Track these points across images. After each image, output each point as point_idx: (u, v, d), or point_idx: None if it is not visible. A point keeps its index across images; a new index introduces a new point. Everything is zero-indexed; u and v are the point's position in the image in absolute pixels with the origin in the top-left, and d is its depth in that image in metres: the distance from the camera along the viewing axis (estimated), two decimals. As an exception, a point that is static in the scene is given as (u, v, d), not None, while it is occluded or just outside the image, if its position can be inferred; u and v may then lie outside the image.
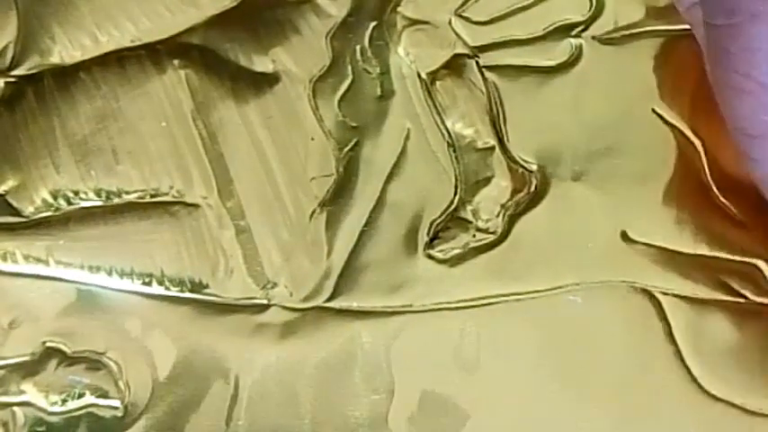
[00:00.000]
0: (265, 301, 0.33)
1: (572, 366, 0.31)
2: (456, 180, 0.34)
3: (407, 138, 0.35)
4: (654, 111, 0.34)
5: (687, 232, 0.32)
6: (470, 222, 0.34)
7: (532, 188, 0.34)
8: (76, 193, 0.35)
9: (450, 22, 0.36)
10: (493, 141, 0.34)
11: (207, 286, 0.34)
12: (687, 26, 0.34)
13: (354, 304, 0.33)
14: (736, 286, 0.32)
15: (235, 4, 0.38)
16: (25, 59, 0.37)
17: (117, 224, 0.34)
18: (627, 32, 0.35)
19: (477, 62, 0.35)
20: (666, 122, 0.34)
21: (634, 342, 0.31)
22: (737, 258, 0.32)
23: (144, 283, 0.34)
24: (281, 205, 0.34)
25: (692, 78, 0.34)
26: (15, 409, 0.33)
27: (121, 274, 0.34)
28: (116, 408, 0.32)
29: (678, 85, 0.34)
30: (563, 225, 0.33)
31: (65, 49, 0.37)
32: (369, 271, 0.33)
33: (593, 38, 0.35)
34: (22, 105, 0.36)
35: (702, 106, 0.32)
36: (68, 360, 0.33)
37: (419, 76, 0.36)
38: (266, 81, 0.36)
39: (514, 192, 0.34)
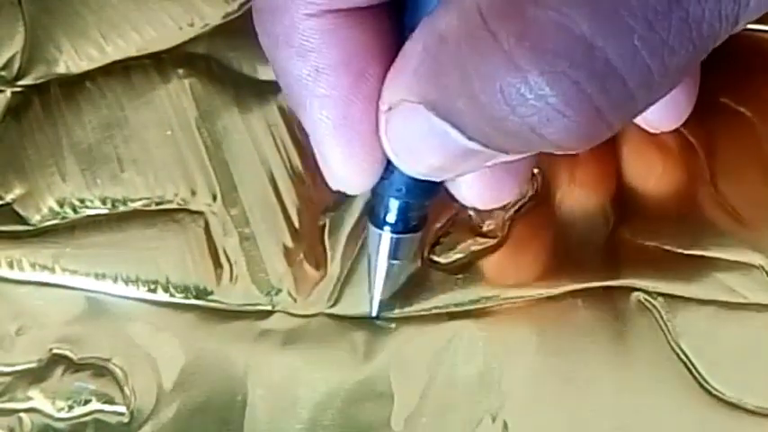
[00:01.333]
0: (269, 308, 0.33)
1: (573, 368, 0.31)
2: (458, 185, 0.34)
3: (410, 144, 0.35)
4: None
5: (687, 233, 0.32)
6: (472, 227, 0.34)
7: (534, 191, 0.34)
8: (82, 202, 0.35)
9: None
10: (494, 146, 0.34)
11: (211, 293, 0.34)
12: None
13: (358, 310, 0.33)
14: (736, 286, 0.32)
15: (239, 13, 0.38)
16: (32, 69, 0.38)
17: (122, 232, 0.35)
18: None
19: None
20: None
21: (635, 344, 0.31)
22: (738, 259, 0.32)
23: (149, 290, 0.34)
24: (284, 212, 0.34)
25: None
26: (22, 415, 0.33)
27: (127, 281, 0.34)
28: (122, 414, 0.33)
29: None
30: (563, 228, 0.33)
31: (71, 59, 0.38)
32: (371, 277, 0.33)
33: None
34: (28, 115, 0.37)
35: (701, 106, 0.32)
36: (74, 366, 0.33)
37: (421, 82, 0.36)
38: (270, 89, 0.36)
39: (515, 195, 0.34)
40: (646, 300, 0.32)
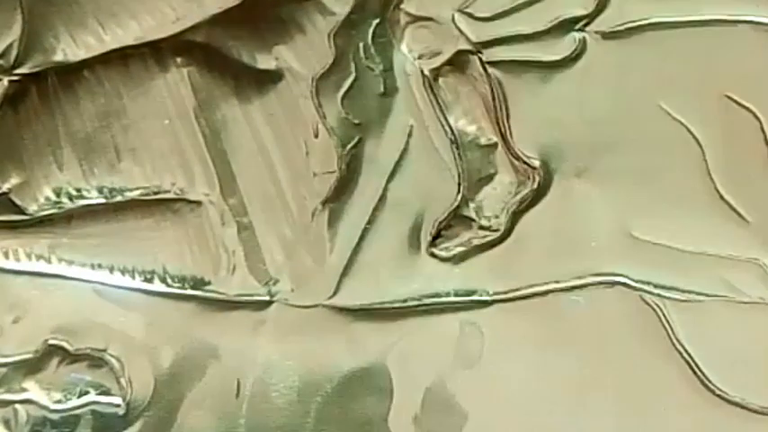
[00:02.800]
0: (267, 298, 0.33)
1: (574, 365, 0.31)
2: (459, 177, 0.34)
3: (410, 135, 0.35)
4: (659, 106, 0.34)
5: (690, 230, 0.32)
6: (473, 220, 0.33)
7: (535, 185, 0.33)
8: (79, 191, 0.35)
9: (453, 19, 0.36)
10: (496, 138, 0.34)
11: (209, 283, 0.34)
12: (693, 18, 0.33)
13: (356, 302, 0.33)
14: (739, 284, 0.31)
15: (238, 2, 0.38)
16: (29, 58, 0.37)
17: (119, 222, 0.34)
18: (631, 25, 0.35)
19: (479, 58, 0.35)
20: (671, 118, 0.34)
21: (636, 340, 0.31)
22: (740, 256, 0.32)
23: (146, 281, 0.34)
24: (283, 202, 0.34)
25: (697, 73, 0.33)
26: (18, 406, 0.33)
27: (123, 272, 0.34)
28: (118, 405, 0.33)
29: (684, 80, 0.34)
30: (566, 222, 0.33)
31: (69, 48, 0.37)
32: (371, 269, 0.33)
33: (597, 32, 0.35)
34: (25, 104, 0.37)
35: (705, 101, 0.31)
36: (70, 357, 0.33)
37: (422, 72, 0.35)
38: (269, 79, 0.36)
39: (517, 188, 0.33)
40: (647, 297, 0.31)
